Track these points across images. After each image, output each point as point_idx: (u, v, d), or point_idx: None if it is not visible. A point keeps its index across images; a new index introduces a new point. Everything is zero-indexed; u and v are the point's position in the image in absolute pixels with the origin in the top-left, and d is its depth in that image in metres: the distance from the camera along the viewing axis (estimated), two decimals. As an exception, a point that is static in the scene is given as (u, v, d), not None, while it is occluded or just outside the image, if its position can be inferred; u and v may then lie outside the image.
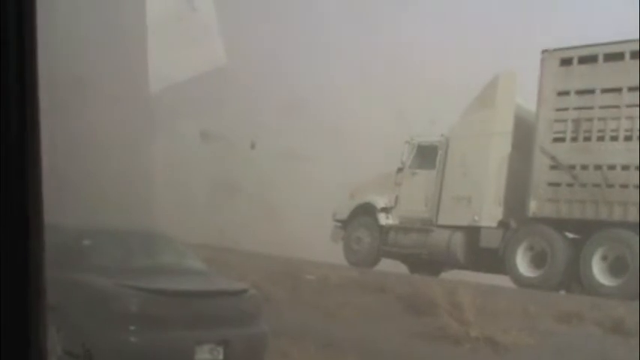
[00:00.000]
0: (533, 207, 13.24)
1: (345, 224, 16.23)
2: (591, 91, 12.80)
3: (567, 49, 13.28)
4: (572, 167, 12.85)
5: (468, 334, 9.94)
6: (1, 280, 1.91)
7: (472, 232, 14.23)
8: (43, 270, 2.06)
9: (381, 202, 15.83)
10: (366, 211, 15.99)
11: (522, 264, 13.38)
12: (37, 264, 2.02)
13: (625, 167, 12.22)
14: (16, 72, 1.87)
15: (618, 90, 12.44)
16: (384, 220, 15.67)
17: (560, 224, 13.01)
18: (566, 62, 13.22)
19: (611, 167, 12.41)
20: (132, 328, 7.18)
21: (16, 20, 1.84)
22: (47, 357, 2.11)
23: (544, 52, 13.44)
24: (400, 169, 15.63)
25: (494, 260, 13.72)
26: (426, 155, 15.33)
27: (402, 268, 15.77)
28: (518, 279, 13.34)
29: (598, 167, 12.54)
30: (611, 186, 12.33)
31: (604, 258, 12.32)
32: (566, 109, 13.07)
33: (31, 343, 1.97)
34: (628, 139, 12.29)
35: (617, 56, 12.56)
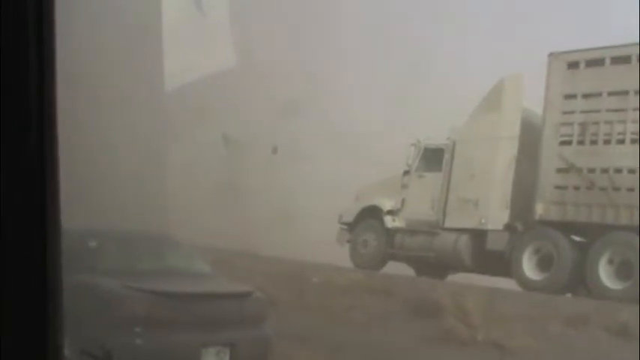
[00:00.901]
0: (539, 210, 13.22)
1: (352, 227, 16.21)
2: (598, 95, 12.78)
3: (574, 52, 13.27)
4: (579, 170, 12.83)
5: (475, 337, 9.94)
6: (21, 281, 1.94)
7: (478, 235, 14.21)
8: (60, 273, 2.08)
9: (387, 204, 15.80)
10: (372, 213, 15.96)
11: (528, 267, 13.35)
12: (54, 267, 2.04)
13: (632, 170, 12.20)
14: (36, 76, 1.89)
15: (625, 93, 12.42)
16: (390, 222, 15.64)
17: (566, 227, 12.99)
18: (573, 65, 13.20)
19: (618, 170, 12.38)
20: (138, 330, 7.20)
21: (36, 23, 1.87)
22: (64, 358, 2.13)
23: (551, 55, 13.42)
24: (407, 172, 15.60)
25: (501, 263, 13.70)
26: (433, 158, 15.29)
27: (408, 271, 15.75)
28: (524, 282, 13.31)
29: (605, 170, 12.51)
30: (617, 189, 12.31)
31: (610, 261, 12.29)
32: (572, 112, 13.06)
33: (49, 343, 1.99)
34: (635, 142, 12.26)
35: (624, 59, 12.54)
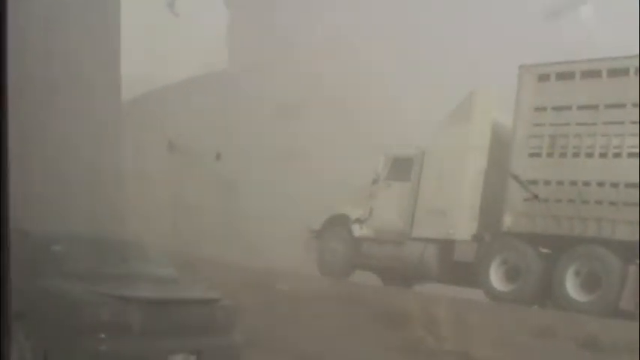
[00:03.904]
0: (507, 221, 13.25)
1: (319, 234, 16.10)
2: (568, 108, 12.85)
3: (545, 65, 13.34)
4: (548, 183, 12.89)
5: (442, 347, 9.90)
6: None
7: (446, 245, 14.20)
8: (7, 278, 1.99)
9: (355, 213, 15.71)
10: (340, 221, 15.87)
11: (496, 278, 13.37)
12: (1, 272, 1.94)
13: (600, 184, 12.28)
14: None
15: (594, 107, 12.50)
16: (357, 231, 15.56)
17: (534, 239, 13.02)
18: (543, 78, 13.26)
19: (586, 183, 12.45)
20: (102, 336, 7.02)
21: None
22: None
23: (521, 67, 13.48)
24: (375, 181, 15.55)
25: (468, 274, 13.70)
26: (402, 167, 15.25)
27: (375, 280, 15.69)
28: (491, 293, 13.33)
29: (573, 183, 12.57)
30: (585, 202, 12.38)
31: (577, 274, 12.34)
32: (542, 124, 13.11)
33: None
34: (603, 155, 12.35)
35: (595, 74, 12.63)
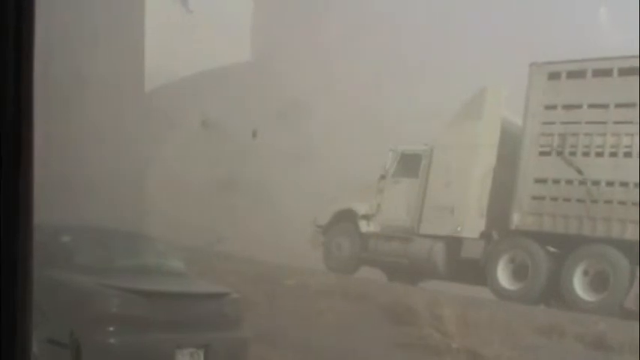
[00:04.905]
0: (516, 220, 13.21)
1: (325, 229, 16.09)
2: (578, 106, 12.80)
3: (556, 63, 13.27)
4: (557, 181, 12.85)
5: (450, 345, 9.88)
6: None
7: (454, 242, 14.17)
8: (31, 267, 2.00)
9: (362, 208, 15.70)
10: (346, 217, 15.85)
11: (503, 276, 13.33)
12: (25, 261, 1.96)
13: (609, 183, 12.24)
14: (13, 68, 1.81)
15: (605, 106, 12.46)
16: (364, 227, 15.55)
17: (542, 238, 12.98)
18: (554, 76, 13.20)
19: (596, 183, 12.41)
20: (111, 329, 7.03)
21: (15, 16, 1.79)
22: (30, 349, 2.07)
23: (532, 65, 13.42)
24: (383, 177, 15.53)
25: (475, 271, 13.66)
26: (410, 164, 15.23)
27: (381, 276, 15.67)
28: (498, 291, 13.29)
29: (582, 182, 12.53)
30: (595, 201, 12.33)
31: (585, 273, 12.31)
32: (552, 123, 13.06)
33: (17, 336, 1.92)
34: (613, 155, 12.31)
35: (606, 72, 12.57)
